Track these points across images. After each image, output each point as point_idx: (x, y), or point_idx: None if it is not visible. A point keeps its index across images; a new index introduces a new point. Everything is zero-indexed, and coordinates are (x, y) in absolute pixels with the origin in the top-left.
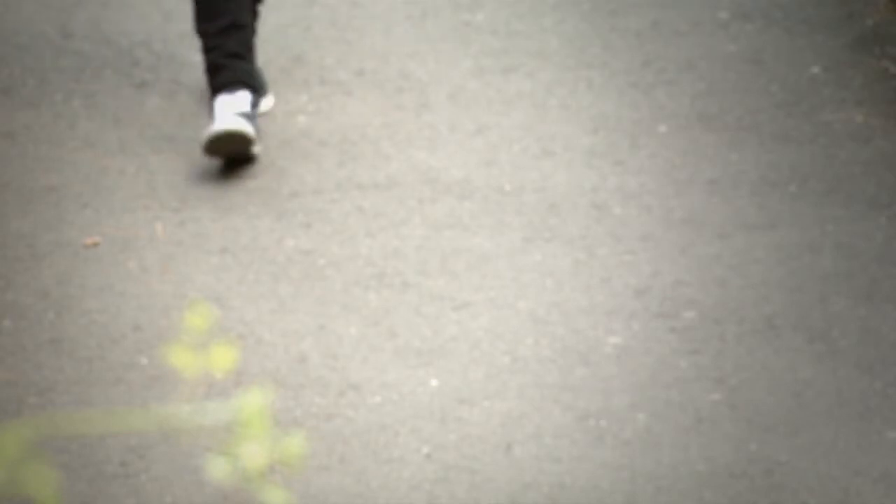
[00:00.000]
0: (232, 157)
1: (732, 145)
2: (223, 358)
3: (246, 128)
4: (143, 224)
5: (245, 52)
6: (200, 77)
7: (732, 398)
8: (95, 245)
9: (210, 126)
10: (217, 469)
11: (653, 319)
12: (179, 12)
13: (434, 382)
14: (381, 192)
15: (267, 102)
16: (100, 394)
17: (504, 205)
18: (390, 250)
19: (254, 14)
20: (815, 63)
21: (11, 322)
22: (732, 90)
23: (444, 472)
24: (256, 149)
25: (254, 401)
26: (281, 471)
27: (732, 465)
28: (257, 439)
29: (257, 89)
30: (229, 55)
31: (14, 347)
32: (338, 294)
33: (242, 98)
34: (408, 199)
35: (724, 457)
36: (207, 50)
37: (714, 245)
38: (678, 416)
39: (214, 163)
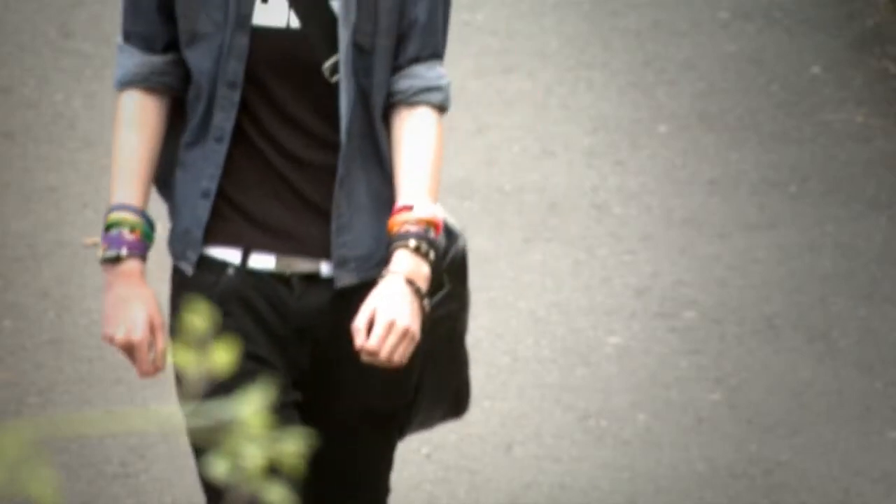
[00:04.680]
0: None
1: (732, 145)
2: (223, 358)
3: None
4: None
5: None
6: None
7: (732, 398)
8: (95, 245)
9: None
10: (217, 469)
11: (653, 319)
12: None
13: None
14: None
15: None
16: (100, 394)
17: (504, 205)
18: None
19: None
20: (815, 63)
21: (11, 322)
22: (732, 90)
23: (444, 472)
24: None
25: (254, 401)
26: (281, 471)
27: (732, 465)
28: (257, 439)
29: None
30: None
31: (14, 347)
32: None
33: None
34: None
35: (724, 457)
36: None
37: (714, 245)
38: (678, 416)
39: None
